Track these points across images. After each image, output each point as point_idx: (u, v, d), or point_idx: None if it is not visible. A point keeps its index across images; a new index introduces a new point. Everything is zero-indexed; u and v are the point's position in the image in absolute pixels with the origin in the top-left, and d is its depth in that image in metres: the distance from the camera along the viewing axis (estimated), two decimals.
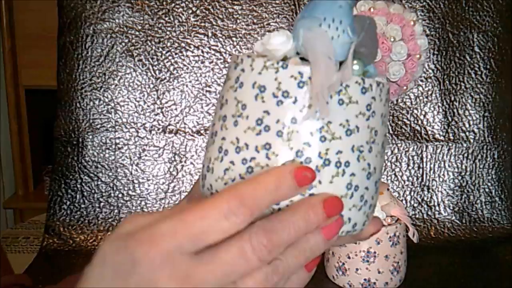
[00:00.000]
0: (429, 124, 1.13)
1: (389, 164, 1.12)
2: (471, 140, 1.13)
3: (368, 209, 0.37)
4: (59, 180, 1.09)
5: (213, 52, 1.11)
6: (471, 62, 1.12)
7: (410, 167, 1.13)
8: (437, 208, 1.12)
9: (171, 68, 1.11)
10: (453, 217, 1.12)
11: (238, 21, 1.11)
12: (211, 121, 0.38)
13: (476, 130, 1.13)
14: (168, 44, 1.11)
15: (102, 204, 1.09)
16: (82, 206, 1.09)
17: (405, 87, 0.77)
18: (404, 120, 1.13)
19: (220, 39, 1.11)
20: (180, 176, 1.10)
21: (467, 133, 1.13)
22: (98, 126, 1.10)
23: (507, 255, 1.04)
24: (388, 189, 0.89)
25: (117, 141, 1.10)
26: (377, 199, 0.38)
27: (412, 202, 1.12)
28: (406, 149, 1.13)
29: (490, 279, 0.97)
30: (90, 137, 1.09)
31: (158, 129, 1.11)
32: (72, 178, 1.09)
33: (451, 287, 0.94)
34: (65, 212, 1.08)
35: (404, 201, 1.12)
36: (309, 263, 0.34)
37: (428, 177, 1.12)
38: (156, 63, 1.11)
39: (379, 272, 0.87)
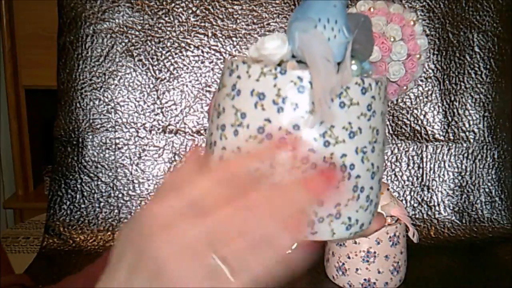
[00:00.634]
0: (429, 124, 1.13)
1: (389, 164, 1.12)
2: (471, 140, 1.13)
3: (373, 208, 0.37)
4: (59, 180, 1.09)
5: (213, 52, 1.11)
6: (471, 62, 1.12)
7: (410, 167, 1.13)
8: (437, 208, 1.12)
9: (171, 68, 1.11)
10: (453, 217, 1.12)
11: (238, 21, 1.11)
12: (208, 129, 0.37)
13: (476, 130, 1.13)
14: (168, 44, 1.11)
15: (102, 204, 1.09)
16: (82, 206, 1.09)
17: (405, 87, 0.77)
18: (404, 120, 1.13)
19: (220, 39, 1.11)
20: None
21: (467, 133, 1.13)
22: (98, 126, 1.10)
23: (507, 255, 1.04)
24: (388, 189, 0.89)
25: (117, 141, 1.10)
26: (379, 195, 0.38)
27: (412, 202, 1.12)
28: (406, 149, 1.13)
29: (490, 279, 0.97)
30: (90, 137, 1.09)
31: (158, 129, 1.10)
32: (72, 178, 1.09)
33: (451, 287, 0.94)
34: (65, 212, 1.08)
35: (404, 201, 1.12)
36: (293, 223, 0.32)
37: (428, 177, 1.12)
38: (156, 63, 1.11)
39: (379, 272, 0.87)
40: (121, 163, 1.10)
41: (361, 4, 0.77)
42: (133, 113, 1.10)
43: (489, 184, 1.13)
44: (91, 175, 1.09)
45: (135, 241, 0.32)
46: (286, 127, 0.33)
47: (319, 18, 0.34)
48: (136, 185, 1.10)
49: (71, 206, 1.08)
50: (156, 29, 1.10)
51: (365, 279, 0.88)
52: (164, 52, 1.11)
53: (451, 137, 1.13)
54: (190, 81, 1.11)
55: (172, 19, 1.11)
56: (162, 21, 1.11)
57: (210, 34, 1.11)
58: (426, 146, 1.13)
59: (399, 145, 1.13)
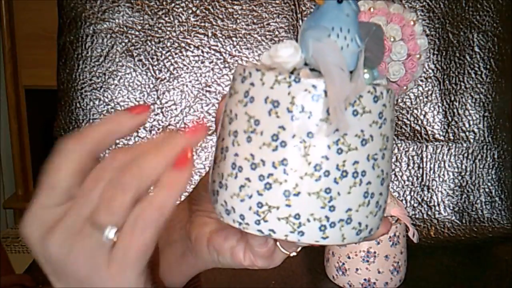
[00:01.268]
0: (429, 124, 1.13)
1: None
2: (471, 140, 1.13)
3: (382, 213, 0.38)
4: None
5: (213, 52, 1.11)
6: (471, 62, 1.12)
7: (410, 167, 1.13)
8: (437, 208, 1.12)
9: (171, 68, 1.11)
10: (453, 217, 1.12)
11: (238, 21, 1.11)
12: (218, 135, 0.38)
13: (476, 130, 1.13)
14: (168, 44, 1.11)
15: None
16: None
17: (405, 87, 0.77)
18: (404, 120, 1.13)
19: (220, 39, 1.11)
20: None
21: (467, 133, 1.13)
22: None
23: (507, 255, 1.05)
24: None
25: (117, 141, 1.10)
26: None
27: (412, 202, 1.12)
28: (406, 149, 1.13)
29: (490, 279, 0.97)
30: None
31: (158, 129, 1.11)
32: None
33: (451, 287, 0.94)
34: None
35: (404, 201, 1.12)
36: (178, 158, 0.32)
37: (428, 177, 1.13)
38: (156, 63, 1.11)
39: (379, 272, 0.87)
40: None
41: (361, 4, 0.77)
42: None
43: (489, 184, 1.13)
44: None
45: (40, 259, 0.33)
46: (300, 134, 0.34)
47: (332, 27, 0.35)
48: None
49: None
50: (156, 29, 1.10)
51: (365, 279, 0.88)
52: (164, 52, 1.11)
53: (451, 137, 1.13)
54: (190, 81, 1.11)
55: (172, 19, 1.11)
56: (162, 21, 1.11)
57: (210, 34, 1.11)
58: (426, 146, 1.13)
59: (399, 145, 1.13)
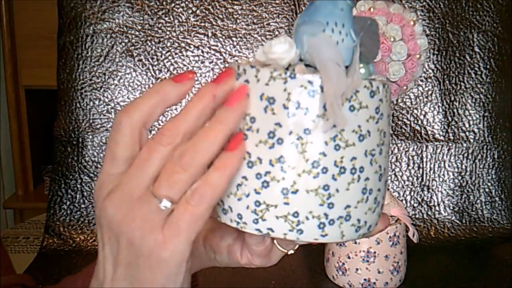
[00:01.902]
0: (429, 124, 1.13)
1: (389, 164, 1.12)
2: (471, 140, 1.13)
3: (380, 209, 0.38)
4: (59, 180, 1.09)
5: (213, 52, 1.11)
6: (471, 62, 1.12)
7: (410, 167, 1.13)
8: (437, 208, 1.12)
9: (171, 68, 1.11)
10: (453, 217, 1.12)
11: (238, 21, 1.11)
12: None
13: (476, 130, 1.13)
14: (168, 44, 1.11)
15: None
16: (82, 206, 1.09)
17: (405, 87, 0.77)
18: (404, 120, 1.13)
19: (220, 39, 1.11)
20: None
21: (467, 133, 1.13)
22: (98, 126, 1.10)
23: (507, 255, 1.05)
24: (388, 189, 0.89)
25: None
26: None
27: (412, 202, 1.12)
28: (406, 149, 1.13)
29: (490, 279, 0.97)
30: (90, 137, 1.09)
31: (158, 129, 1.10)
32: (72, 178, 1.09)
33: (451, 287, 0.94)
34: (65, 212, 1.08)
35: (404, 201, 1.12)
36: (230, 142, 0.34)
37: (428, 177, 1.13)
38: (156, 63, 1.11)
39: (379, 272, 0.87)
40: None
41: (361, 4, 0.77)
42: None
43: (489, 184, 1.13)
44: (91, 175, 1.09)
45: (97, 220, 0.36)
46: (297, 131, 0.33)
47: (327, 22, 0.34)
48: None
49: (71, 206, 1.08)
50: (156, 29, 1.10)
51: (365, 279, 0.88)
52: (164, 52, 1.11)
53: (451, 137, 1.13)
54: None
55: (172, 19, 1.11)
56: (162, 21, 1.11)
57: (210, 34, 1.11)
58: (426, 146, 1.13)
59: (399, 145, 1.13)
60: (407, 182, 1.12)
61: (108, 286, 0.35)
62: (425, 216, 1.12)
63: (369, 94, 0.34)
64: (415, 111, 1.13)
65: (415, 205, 1.12)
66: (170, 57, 1.11)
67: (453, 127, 1.13)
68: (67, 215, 1.08)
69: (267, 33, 1.12)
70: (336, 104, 0.32)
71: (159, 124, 1.11)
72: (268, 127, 0.34)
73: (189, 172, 0.33)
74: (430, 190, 1.12)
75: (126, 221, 0.33)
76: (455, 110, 1.13)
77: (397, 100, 1.12)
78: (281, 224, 0.34)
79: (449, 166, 1.13)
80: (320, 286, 0.92)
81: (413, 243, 0.88)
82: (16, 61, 2.01)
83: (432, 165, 1.13)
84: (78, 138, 1.09)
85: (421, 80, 1.12)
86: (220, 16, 1.11)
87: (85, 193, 1.09)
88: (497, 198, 1.12)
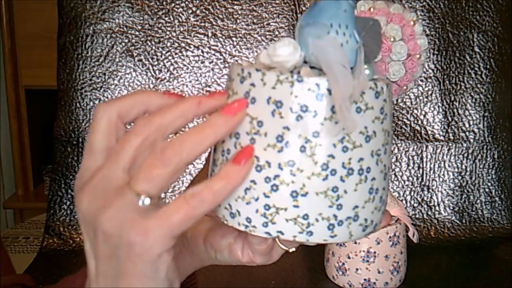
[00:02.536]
0: (429, 124, 1.13)
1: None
2: (471, 140, 1.13)
3: (384, 207, 0.38)
4: (59, 180, 1.09)
5: (213, 52, 1.11)
6: (471, 62, 1.12)
7: (410, 167, 1.13)
8: (437, 208, 1.12)
9: (171, 68, 1.11)
10: (453, 217, 1.12)
11: (238, 21, 1.11)
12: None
13: (476, 130, 1.13)
14: (168, 44, 1.11)
15: None
16: None
17: (405, 87, 0.77)
18: (404, 120, 1.13)
19: (220, 39, 1.11)
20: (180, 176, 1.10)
21: (467, 133, 1.13)
22: None
23: (507, 255, 1.05)
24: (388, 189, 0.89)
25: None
26: None
27: (412, 202, 1.12)
28: (406, 149, 1.13)
29: (490, 279, 0.97)
30: None
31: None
32: (72, 178, 1.09)
33: (451, 287, 0.94)
34: (65, 212, 1.08)
35: (404, 201, 1.12)
36: (238, 154, 0.34)
37: (428, 177, 1.13)
38: (156, 63, 1.11)
39: (379, 272, 0.87)
40: None
41: (361, 4, 0.77)
42: None
43: (489, 184, 1.13)
44: None
45: (77, 214, 0.35)
46: (306, 134, 0.33)
47: (331, 24, 0.34)
48: None
49: (71, 206, 1.08)
50: (156, 29, 1.10)
51: (365, 279, 0.88)
52: (164, 52, 1.11)
53: (451, 137, 1.13)
54: (190, 81, 1.11)
55: (172, 19, 1.11)
56: (162, 21, 1.11)
57: (210, 34, 1.11)
58: (426, 146, 1.13)
59: (399, 145, 1.13)
60: (407, 182, 1.12)
61: (93, 281, 0.35)
62: (425, 216, 1.12)
63: (374, 95, 0.34)
64: (415, 111, 1.13)
65: (415, 205, 1.12)
66: (170, 57, 1.11)
67: (453, 127, 1.13)
68: (67, 215, 1.08)
69: (267, 33, 1.12)
70: (345, 107, 0.32)
71: None
72: (276, 131, 0.34)
73: (170, 168, 0.33)
74: (430, 190, 1.12)
75: (101, 214, 0.33)
76: (455, 110, 1.13)
77: (397, 100, 1.12)
78: (291, 226, 0.34)
79: (449, 166, 1.13)
80: (320, 286, 0.92)
81: (413, 243, 0.88)
82: (16, 61, 2.01)
83: (432, 165, 1.13)
84: (78, 138, 1.09)
85: (421, 80, 1.12)
86: (220, 16, 1.11)
87: None
88: (497, 198, 1.12)
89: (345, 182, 0.34)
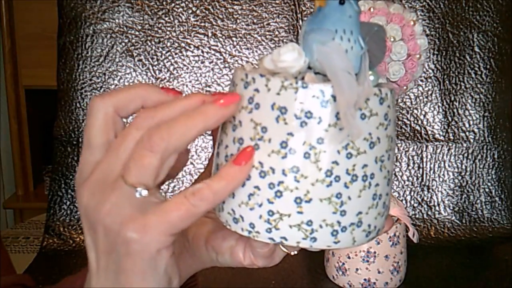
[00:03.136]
0: (429, 124, 1.13)
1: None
2: (471, 140, 1.13)
3: (387, 212, 0.38)
4: (59, 180, 1.09)
5: (213, 52, 1.11)
6: (471, 62, 1.12)
7: (410, 167, 1.13)
8: (437, 208, 1.12)
9: (171, 68, 1.11)
10: (453, 217, 1.12)
11: (238, 21, 1.11)
12: (220, 141, 0.37)
13: (476, 130, 1.13)
14: (168, 44, 1.11)
15: None
16: None
17: (405, 87, 0.77)
18: (404, 120, 1.13)
19: (220, 39, 1.11)
20: (180, 176, 1.10)
21: (467, 133, 1.13)
22: None
23: (507, 255, 1.05)
24: None
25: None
26: None
27: (412, 202, 1.12)
28: (406, 149, 1.13)
29: (490, 279, 0.97)
30: None
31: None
32: (72, 178, 1.09)
33: (451, 287, 0.94)
34: (65, 212, 1.08)
35: (404, 201, 1.12)
36: (238, 155, 0.34)
37: (428, 177, 1.13)
38: (156, 63, 1.11)
39: (379, 272, 0.87)
40: None
41: (361, 4, 0.77)
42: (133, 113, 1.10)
43: (489, 184, 1.13)
44: None
45: (78, 207, 0.35)
46: (310, 141, 0.33)
47: (335, 29, 0.34)
48: None
49: (71, 206, 1.08)
50: (156, 29, 1.10)
51: (365, 279, 0.88)
52: (164, 52, 1.11)
53: (451, 137, 1.13)
54: (190, 81, 1.11)
55: (172, 19, 1.11)
56: (162, 21, 1.11)
57: (210, 34, 1.11)
58: (426, 146, 1.13)
59: (399, 145, 1.13)
60: (407, 182, 1.12)
61: (94, 275, 0.35)
62: (425, 216, 1.12)
63: (378, 101, 0.34)
64: (415, 111, 1.13)
65: (415, 205, 1.12)
66: (170, 57, 1.11)
67: (453, 127, 1.13)
68: (67, 215, 1.08)
69: (267, 33, 1.12)
70: (350, 114, 0.32)
71: None
72: (281, 137, 0.34)
73: (159, 155, 0.33)
74: (430, 190, 1.12)
75: (100, 208, 0.33)
76: (455, 110, 1.13)
77: (397, 100, 1.12)
78: (295, 232, 0.34)
79: (449, 166, 1.13)
80: (320, 286, 0.92)
81: (413, 243, 0.88)
82: (16, 61, 2.01)
83: (432, 165, 1.13)
84: (78, 138, 1.09)
85: (421, 80, 1.12)
86: (220, 16, 1.11)
87: None
88: (497, 198, 1.12)
89: (349, 189, 0.34)
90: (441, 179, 1.12)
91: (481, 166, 1.13)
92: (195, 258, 0.47)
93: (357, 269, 0.88)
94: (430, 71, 1.12)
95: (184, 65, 1.11)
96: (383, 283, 0.88)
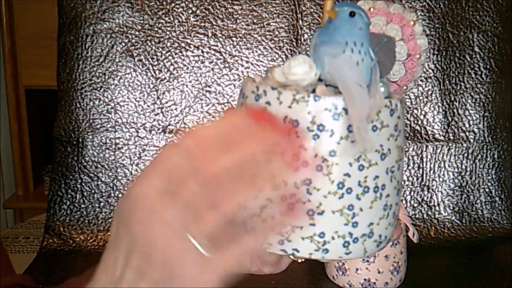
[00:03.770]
0: (429, 124, 1.13)
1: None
2: (471, 140, 1.13)
3: (396, 221, 0.38)
4: (59, 180, 1.09)
5: (213, 52, 1.11)
6: (471, 62, 1.12)
7: (410, 167, 1.13)
8: (437, 208, 1.12)
9: (171, 68, 1.11)
10: (453, 217, 1.12)
11: (238, 21, 1.11)
12: None
13: (476, 130, 1.13)
14: (168, 44, 1.11)
15: (102, 204, 1.09)
16: (82, 206, 1.09)
17: (405, 87, 0.77)
18: (404, 120, 1.13)
19: (220, 39, 1.11)
20: None
21: (467, 133, 1.13)
22: (98, 126, 1.10)
23: (507, 255, 1.04)
24: None
25: (117, 141, 1.10)
26: None
27: (412, 202, 1.12)
28: (406, 149, 1.13)
29: (490, 279, 0.97)
30: (90, 137, 1.09)
31: (158, 129, 1.11)
32: (72, 178, 1.09)
33: (451, 287, 0.94)
34: (65, 212, 1.08)
35: (404, 201, 1.12)
36: (291, 210, 0.34)
37: (428, 177, 1.12)
38: (156, 63, 1.11)
39: (379, 272, 0.87)
40: (121, 163, 1.10)
41: (361, 4, 0.77)
42: (133, 113, 1.10)
43: (489, 184, 1.13)
44: (91, 175, 1.09)
45: (127, 225, 0.33)
46: (322, 153, 0.33)
47: (346, 42, 0.34)
48: None
49: (71, 206, 1.08)
50: (156, 29, 1.10)
51: (365, 279, 0.88)
52: (164, 52, 1.11)
53: (451, 137, 1.13)
54: (190, 81, 1.11)
55: (172, 19, 1.11)
56: (162, 21, 1.11)
57: (210, 34, 1.11)
58: (426, 146, 1.13)
59: None
60: (407, 182, 1.12)
61: (111, 280, 0.34)
62: (425, 216, 1.12)
63: (389, 112, 0.34)
64: (415, 111, 1.13)
65: (415, 205, 1.12)
66: (170, 57, 1.11)
67: (453, 127, 1.13)
68: (67, 215, 1.08)
69: (267, 33, 1.12)
70: (363, 128, 0.32)
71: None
72: (293, 150, 0.34)
73: (224, 217, 0.32)
74: (430, 190, 1.12)
75: (163, 245, 0.32)
76: (455, 110, 1.13)
77: None
78: (307, 244, 0.35)
79: (449, 166, 1.13)
80: (320, 286, 0.92)
81: (413, 243, 0.88)
82: (16, 61, 2.01)
83: (432, 165, 1.13)
84: (78, 138, 1.09)
85: (421, 80, 1.12)
86: (220, 16, 1.11)
87: (85, 193, 1.09)
88: (497, 198, 1.12)
89: (361, 200, 0.34)
90: (441, 179, 1.12)
91: (481, 166, 1.13)
92: None
93: (357, 269, 0.88)
94: (430, 71, 1.12)
95: (184, 65, 1.11)
96: (383, 283, 0.88)
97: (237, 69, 1.11)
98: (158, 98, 1.11)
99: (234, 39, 1.11)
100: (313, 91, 0.34)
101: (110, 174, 1.09)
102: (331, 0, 0.36)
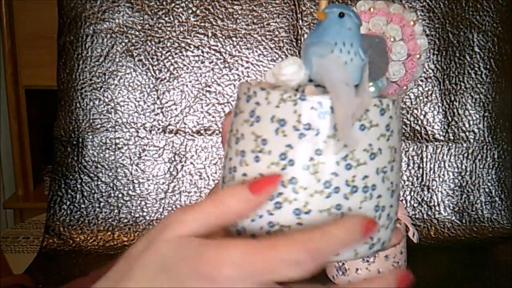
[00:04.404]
0: (429, 124, 1.13)
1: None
2: (471, 140, 1.13)
3: (393, 225, 0.38)
4: (59, 180, 1.09)
5: (213, 52, 1.11)
6: (471, 62, 1.12)
7: (410, 167, 1.13)
8: (437, 208, 1.12)
9: (171, 68, 1.11)
10: (453, 217, 1.12)
11: (238, 21, 1.11)
12: (225, 154, 0.38)
13: (476, 130, 1.13)
14: (168, 44, 1.11)
15: (102, 204, 1.09)
16: (82, 206, 1.09)
17: (405, 87, 0.77)
18: (404, 120, 1.13)
19: (220, 39, 1.11)
20: (180, 176, 1.10)
21: (467, 133, 1.13)
22: (98, 126, 1.10)
23: (507, 255, 1.04)
24: None
25: (117, 141, 1.10)
26: None
27: (412, 202, 1.12)
28: (406, 149, 1.13)
29: (490, 279, 0.97)
30: (90, 137, 1.09)
31: (158, 129, 1.11)
32: (72, 178, 1.09)
33: (451, 287, 0.94)
34: (65, 212, 1.08)
35: (404, 201, 1.12)
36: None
37: (428, 177, 1.13)
38: (156, 63, 1.11)
39: (379, 272, 0.87)
40: (121, 163, 1.10)
41: (361, 4, 0.77)
42: (133, 113, 1.10)
43: (489, 184, 1.13)
44: (91, 175, 1.09)
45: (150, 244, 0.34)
46: (308, 152, 0.33)
47: (335, 42, 0.34)
48: (136, 185, 1.10)
49: (71, 206, 1.09)
50: (156, 29, 1.10)
51: (365, 279, 0.88)
52: (164, 52, 1.11)
53: (451, 137, 1.13)
54: (190, 81, 1.11)
55: (172, 19, 1.11)
56: (162, 21, 1.11)
57: (210, 34, 1.11)
58: (426, 146, 1.13)
59: None
60: (407, 182, 1.12)
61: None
62: (425, 216, 1.12)
63: (379, 112, 0.34)
64: (415, 111, 1.13)
65: (415, 205, 1.12)
66: (170, 57, 1.11)
67: (453, 127, 1.13)
68: (67, 215, 1.08)
69: (267, 33, 1.12)
70: (346, 125, 0.32)
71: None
72: (280, 149, 0.34)
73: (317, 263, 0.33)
74: (430, 190, 1.12)
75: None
76: (455, 110, 1.13)
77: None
78: None
79: (449, 166, 1.13)
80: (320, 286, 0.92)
81: (413, 243, 0.88)
82: (16, 61, 2.01)
83: (432, 165, 1.13)
84: (78, 138, 1.09)
85: (421, 80, 1.12)
86: (220, 16, 1.11)
87: (85, 193, 1.09)
88: (497, 198, 1.12)
89: (349, 200, 0.34)
90: (441, 179, 1.12)
91: (481, 166, 1.13)
92: None
93: (357, 269, 0.88)
94: (430, 71, 1.12)
95: (184, 65, 1.11)
96: None
97: (237, 69, 1.11)
98: (158, 98, 1.11)
99: (234, 39, 1.11)
100: (303, 91, 0.35)
101: (110, 174, 1.09)
102: (325, 1, 0.36)
